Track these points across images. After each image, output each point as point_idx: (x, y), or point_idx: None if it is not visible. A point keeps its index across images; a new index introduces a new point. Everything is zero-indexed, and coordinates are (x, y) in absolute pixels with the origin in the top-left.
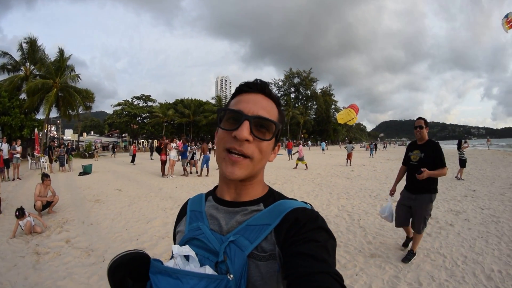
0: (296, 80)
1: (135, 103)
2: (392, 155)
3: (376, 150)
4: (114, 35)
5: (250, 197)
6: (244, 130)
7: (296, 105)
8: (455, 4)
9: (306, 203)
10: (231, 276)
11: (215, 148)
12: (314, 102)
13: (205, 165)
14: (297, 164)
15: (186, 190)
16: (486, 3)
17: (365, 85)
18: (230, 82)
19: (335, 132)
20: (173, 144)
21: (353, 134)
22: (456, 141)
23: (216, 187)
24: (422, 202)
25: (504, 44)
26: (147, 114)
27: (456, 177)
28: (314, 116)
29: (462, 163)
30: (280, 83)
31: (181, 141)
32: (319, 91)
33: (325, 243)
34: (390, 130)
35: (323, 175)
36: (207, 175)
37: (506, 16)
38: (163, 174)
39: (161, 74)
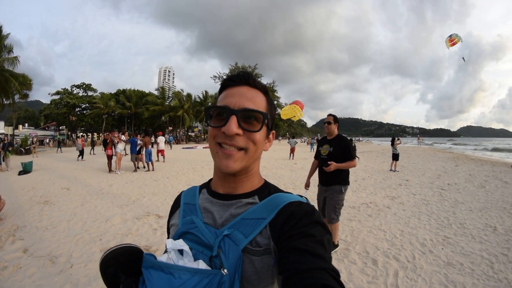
0: None
1: (75, 92)
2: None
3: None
4: (56, 13)
5: (245, 189)
6: (232, 125)
7: None
8: (402, 18)
9: (301, 196)
10: (225, 271)
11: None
12: None
13: (149, 160)
14: None
15: (137, 185)
16: (429, 21)
17: (307, 83)
18: (173, 74)
19: (277, 127)
20: (123, 137)
21: (294, 130)
22: (398, 138)
23: (210, 180)
24: (333, 193)
25: (441, 58)
26: (87, 104)
27: (390, 169)
28: None
29: (395, 157)
30: (225, 77)
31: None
32: None
33: (321, 238)
34: None
35: (269, 168)
36: (153, 170)
37: (450, 36)
38: (110, 170)
39: (103, 61)
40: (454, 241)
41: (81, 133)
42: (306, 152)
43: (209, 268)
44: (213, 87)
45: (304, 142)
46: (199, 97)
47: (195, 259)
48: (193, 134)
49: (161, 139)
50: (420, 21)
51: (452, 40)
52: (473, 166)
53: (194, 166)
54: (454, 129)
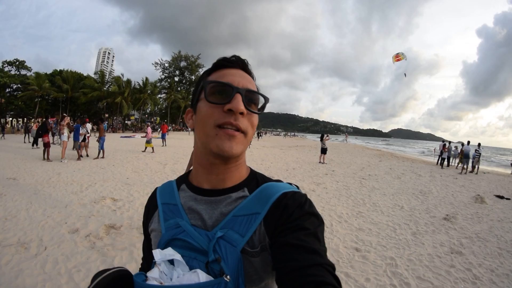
0: (182, 63)
1: (6, 69)
2: (267, 143)
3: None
4: None
5: (232, 181)
6: (241, 103)
7: (179, 89)
8: (349, 25)
9: (291, 184)
10: (228, 277)
11: (192, 128)
12: None
13: (102, 147)
14: (146, 148)
15: (86, 173)
16: (374, 33)
17: None
18: (113, 56)
19: None
20: (84, 127)
21: None
22: (327, 135)
23: (187, 174)
24: None
25: (380, 66)
26: (19, 85)
27: (319, 161)
28: None
29: (324, 151)
30: (166, 65)
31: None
32: None
33: (315, 230)
34: (267, 121)
35: None
36: (103, 157)
37: (397, 54)
38: (47, 158)
39: (39, 35)
40: (366, 215)
41: (38, 119)
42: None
43: (210, 277)
44: (153, 74)
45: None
46: (139, 84)
47: (189, 267)
48: (129, 122)
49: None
50: (365, 31)
51: (398, 57)
52: (395, 162)
53: (136, 155)
54: (386, 130)
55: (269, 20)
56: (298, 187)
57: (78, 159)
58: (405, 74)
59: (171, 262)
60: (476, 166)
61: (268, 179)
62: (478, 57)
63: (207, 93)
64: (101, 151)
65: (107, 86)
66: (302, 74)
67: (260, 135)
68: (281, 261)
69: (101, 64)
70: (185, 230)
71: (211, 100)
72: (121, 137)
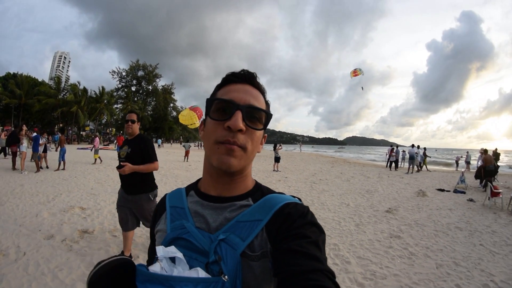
0: (140, 73)
1: None
2: None
3: None
4: None
5: (238, 191)
6: (239, 120)
7: (136, 99)
8: (306, 38)
9: (294, 197)
10: (226, 277)
11: (199, 144)
12: (154, 98)
13: (63, 158)
14: (95, 159)
15: (50, 184)
16: (330, 45)
17: (204, 88)
18: (69, 61)
19: (171, 131)
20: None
21: (187, 133)
22: (280, 144)
23: (197, 181)
24: (142, 204)
25: (335, 78)
26: None
27: (273, 170)
28: (151, 112)
29: (277, 159)
30: (124, 73)
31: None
32: (161, 87)
33: (316, 239)
34: None
35: (166, 169)
36: (63, 169)
37: (355, 69)
38: (14, 167)
39: None
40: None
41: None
42: (200, 156)
43: (210, 276)
44: (109, 82)
45: (197, 146)
46: (95, 93)
47: (190, 266)
48: (84, 133)
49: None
50: (321, 44)
51: (356, 72)
52: (347, 167)
53: (96, 167)
54: (341, 138)
55: (227, 31)
56: (300, 200)
57: (38, 170)
58: (362, 87)
59: (173, 260)
60: (421, 166)
61: (272, 191)
62: (428, 68)
63: (212, 109)
64: (62, 162)
65: (63, 94)
66: None
67: None
68: (282, 266)
69: (56, 69)
70: (189, 231)
71: (213, 117)
72: (78, 148)
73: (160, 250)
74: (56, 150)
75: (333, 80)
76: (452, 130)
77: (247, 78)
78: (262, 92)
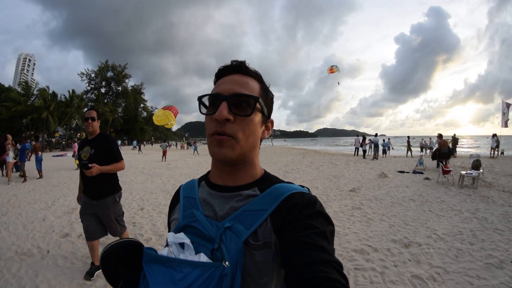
0: (109, 74)
1: None
2: (201, 152)
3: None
4: None
5: (244, 180)
6: (223, 110)
7: (106, 101)
8: (275, 33)
9: (303, 186)
10: (227, 263)
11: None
12: (124, 100)
13: (40, 167)
14: (77, 164)
15: (43, 191)
16: (299, 40)
17: (173, 86)
18: (34, 63)
19: (142, 132)
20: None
21: (159, 134)
22: None
23: (209, 172)
24: (108, 207)
25: (305, 71)
26: None
27: None
28: (122, 114)
29: None
30: (93, 75)
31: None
32: (130, 88)
33: (323, 230)
34: (194, 131)
35: (148, 169)
36: (40, 177)
37: (331, 67)
38: (6, 175)
39: None
40: None
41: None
42: (175, 155)
43: (211, 261)
44: (76, 85)
45: (177, 146)
46: (65, 97)
47: (197, 252)
48: (54, 140)
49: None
50: (291, 38)
51: (332, 69)
52: (317, 157)
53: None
54: (312, 130)
55: (196, 27)
56: (309, 189)
57: (25, 180)
58: (338, 82)
59: (182, 246)
60: (386, 152)
61: (281, 181)
62: (396, 60)
63: (201, 105)
64: (38, 171)
65: (32, 100)
66: None
67: (190, 145)
68: (289, 257)
69: (21, 73)
70: (198, 219)
71: (203, 112)
72: (54, 156)
73: (170, 236)
74: (29, 159)
75: (302, 74)
76: (420, 118)
77: (234, 68)
78: (255, 77)
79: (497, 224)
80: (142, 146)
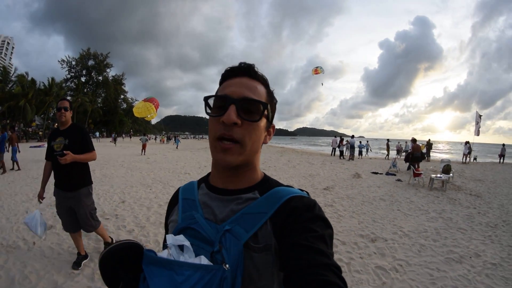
0: (90, 62)
1: None
2: (181, 146)
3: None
4: None
5: (244, 184)
6: (231, 114)
7: (86, 91)
8: (260, 29)
9: (302, 190)
10: (227, 266)
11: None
12: (104, 90)
13: (16, 158)
14: None
15: (24, 184)
16: (284, 38)
17: (154, 78)
18: (13, 47)
19: (121, 124)
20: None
21: (138, 127)
22: None
23: (209, 174)
24: (82, 199)
25: (288, 70)
26: None
27: None
28: (101, 105)
29: None
30: (73, 63)
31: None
32: (111, 78)
33: (322, 233)
34: (174, 124)
35: (128, 162)
36: (18, 169)
37: (316, 67)
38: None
39: None
40: None
41: None
42: (154, 149)
43: (211, 264)
44: (55, 72)
45: (156, 140)
46: (44, 84)
47: (196, 255)
48: (30, 129)
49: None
50: (276, 36)
51: (317, 70)
52: (294, 156)
53: None
54: (291, 129)
55: (181, 18)
56: (308, 193)
57: (4, 171)
58: (322, 83)
59: (181, 248)
60: (362, 154)
61: (280, 184)
62: (379, 65)
63: (207, 106)
64: (15, 162)
65: (9, 86)
66: (210, 75)
67: (170, 139)
68: (288, 260)
69: None
70: (198, 221)
71: (210, 114)
72: (31, 147)
73: (170, 238)
74: (8, 150)
75: (285, 72)
76: (399, 122)
77: (243, 70)
78: (262, 81)
79: (461, 223)
80: (121, 139)
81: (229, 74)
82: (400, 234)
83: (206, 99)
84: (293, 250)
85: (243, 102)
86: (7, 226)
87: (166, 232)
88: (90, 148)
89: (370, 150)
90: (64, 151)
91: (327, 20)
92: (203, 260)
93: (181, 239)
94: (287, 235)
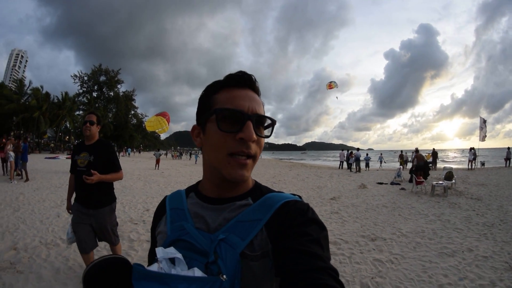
0: (102, 78)
1: None
2: (188, 162)
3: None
4: None
5: (238, 192)
6: (252, 132)
7: (97, 106)
8: (266, 44)
9: (294, 195)
10: (224, 277)
11: (199, 146)
12: (115, 105)
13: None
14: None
15: (49, 191)
16: (290, 53)
17: (163, 94)
18: (26, 60)
19: (131, 139)
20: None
21: (147, 142)
22: None
23: (197, 183)
24: (105, 217)
25: (295, 84)
26: None
27: None
28: (111, 120)
29: None
30: (85, 78)
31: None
32: (122, 94)
33: (317, 237)
34: (183, 140)
35: (144, 176)
36: (28, 179)
37: (330, 82)
38: (6, 173)
39: None
40: None
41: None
42: (167, 164)
43: (205, 276)
44: (66, 86)
45: (167, 155)
46: (57, 98)
47: (189, 267)
48: (42, 141)
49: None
50: (282, 51)
51: (331, 85)
52: (303, 170)
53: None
54: (300, 144)
55: (188, 34)
56: (300, 197)
57: (27, 179)
58: (337, 97)
59: (172, 261)
60: (369, 166)
61: (272, 190)
62: (385, 75)
63: (219, 119)
64: (24, 172)
65: (24, 99)
66: None
67: (182, 154)
68: (284, 265)
69: (12, 69)
70: (189, 232)
71: (223, 129)
72: (46, 158)
73: (160, 251)
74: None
75: (292, 87)
76: (407, 133)
77: (248, 82)
78: (259, 95)
79: (458, 224)
80: (132, 153)
81: (233, 84)
82: (399, 234)
83: (219, 111)
84: (288, 255)
85: (258, 119)
86: (42, 228)
87: (153, 244)
88: (117, 168)
89: (384, 161)
90: (92, 171)
91: (332, 33)
92: (197, 272)
93: (172, 251)
94: (282, 240)
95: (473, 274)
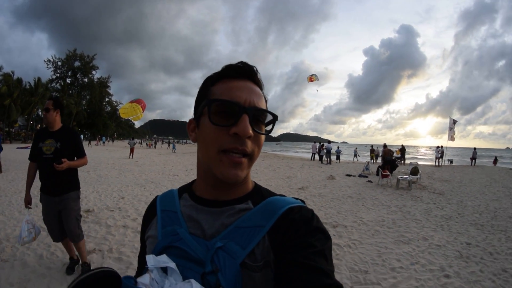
0: (76, 63)
1: None
2: (162, 151)
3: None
4: None
5: (236, 194)
6: (248, 126)
7: (71, 92)
8: (246, 34)
9: (297, 199)
10: None
11: (194, 141)
12: (89, 92)
13: None
14: None
15: (24, 182)
16: (270, 43)
17: (138, 81)
18: None
19: (105, 127)
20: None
21: (121, 130)
22: None
23: (191, 183)
24: (70, 202)
25: (272, 76)
26: None
27: None
28: (85, 107)
29: None
30: (59, 63)
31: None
32: (96, 80)
33: (322, 248)
34: (157, 128)
35: (118, 165)
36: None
37: (311, 75)
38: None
39: None
40: None
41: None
42: (141, 153)
43: None
44: (39, 71)
45: (142, 144)
46: (30, 84)
47: (184, 277)
48: (13, 130)
49: None
50: (261, 41)
51: (312, 78)
52: (275, 160)
53: None
54: (275, 135)
55: (167, 20)
56: (304, 202)
57: (0, 171)
58: (317, 90)
59: (164, 270)
60: (339, 158)
61: (273, 193)
62: (363, 71)
63: (211, 112)
64: None
65: None
66: (194, 79)
67: (156, 143)
68: (286, 280)
69: None
70: (182, 238)
71: (215, 122)
72: (18, 148)
73: (151, 259)
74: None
75: (270, 78)
76: (382, 128)
77: (248, 73)
78: (262, 88)
79: (417, 216)
80: (106, 142)
81: (231, 74)
82: (359, 222)
83: (211, 103)
84: (291, 269)
85: (256, 112)
86: (22, 218)
87: (143, 249)
88: (83, 154)
89: (359, 155)
90: (62, 159)
91: (313, 26)
92: (195, 285)
93: (165, 260)
94: (285, 252)
95: (424, 260)
